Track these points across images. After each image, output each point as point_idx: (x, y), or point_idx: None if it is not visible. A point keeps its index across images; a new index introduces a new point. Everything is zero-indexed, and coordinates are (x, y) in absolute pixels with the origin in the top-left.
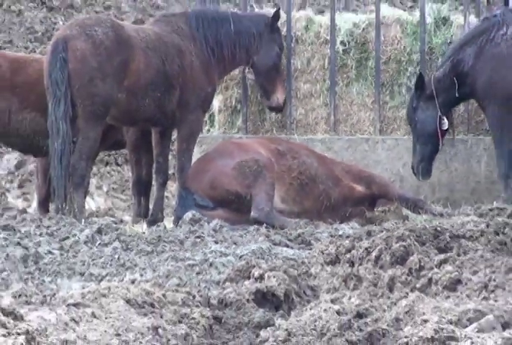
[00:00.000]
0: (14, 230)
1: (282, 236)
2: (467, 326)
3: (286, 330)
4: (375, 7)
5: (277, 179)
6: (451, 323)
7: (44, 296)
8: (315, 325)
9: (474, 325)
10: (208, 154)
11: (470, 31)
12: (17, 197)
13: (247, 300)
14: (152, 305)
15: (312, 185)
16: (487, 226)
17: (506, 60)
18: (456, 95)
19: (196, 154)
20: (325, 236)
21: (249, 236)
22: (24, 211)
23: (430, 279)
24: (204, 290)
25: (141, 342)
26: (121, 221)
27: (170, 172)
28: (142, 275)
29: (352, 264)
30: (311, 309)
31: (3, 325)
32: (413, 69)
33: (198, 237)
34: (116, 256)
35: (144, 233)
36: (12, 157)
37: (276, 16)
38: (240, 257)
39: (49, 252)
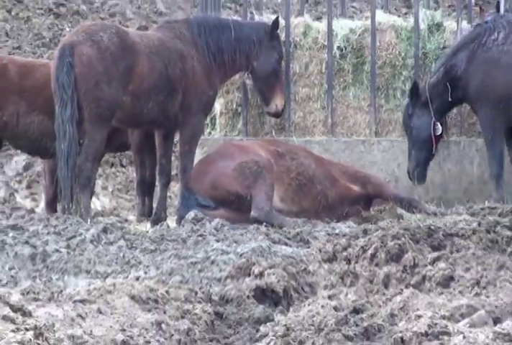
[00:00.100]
0: (23, 229)
1: (281, 234)
2: (459, 321)
3: (285, 325)
4: (371, 14)
5: (277, 179)
6: (444, 319)
7: (52, 293)
8: (313, 321)
9: (467, 320)
10: (209, 155)
11: (463, 37)
12: (25, 197)
13: (247, 297)
14: (155, 301)
15: (310, 186)
16: (479, 224)
17: (497, 64)
18: (450, 99)
19: (198, 155)
20: (322, 234)
21: (250, 234)
22: (32, 211)
23: (424, 276)
24: (206, 287)
25: (145, 337)
26: (126, 221)
27: (173, 173)
28: (146, 272)
29: (348, 261)
30: (309, 305)
31: (13, 321)
32: (407, 73)
33: (200, 236)
34: (121, 255)
35: (148, 232)
36: (20, 158)
37: (275, 23)
38: (241, 255)
39: (57, 251)
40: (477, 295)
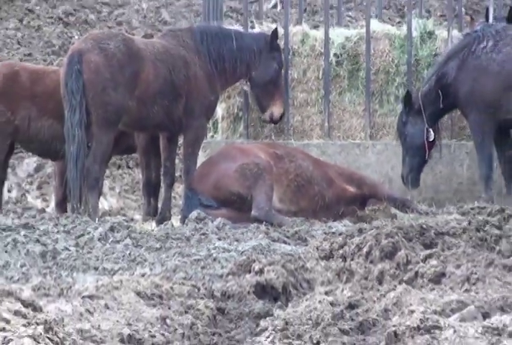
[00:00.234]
0: (34, 228)
1: (281, 233)
2: (450, 316)
3: (284, 320)
4: (366, 22)
5: (276, 181)
6: (435, 313)
7: (61, 289)
8: (310, 316)
9: (457, 315)
10: (212, 157)
11: (453, 46)
12: (36, 197)
13: (248, 292)
14: (160, 297)
15: (308, 186)
16: (469, 223)
17: (486, 71)
18: (441, 106)
19: (201, 158)
20: (319, 233)
21: (250, 233)
22: (42, 211)
23: (416, 273)
24: (208, 283)
25: (150, 331)
26: (132, 220)
27: (177, 174)
28: (151, 269)
29: (344, 259)
30: (306, 300)
31: (24, 316)
32: (400, 79)
33: (203, 234)
34: (128, 252)
35: (153, 230)
36: (32, 160)
37: (275, 34)
38: (241, 253)
39: (66, 248)
40: (467, 290)
